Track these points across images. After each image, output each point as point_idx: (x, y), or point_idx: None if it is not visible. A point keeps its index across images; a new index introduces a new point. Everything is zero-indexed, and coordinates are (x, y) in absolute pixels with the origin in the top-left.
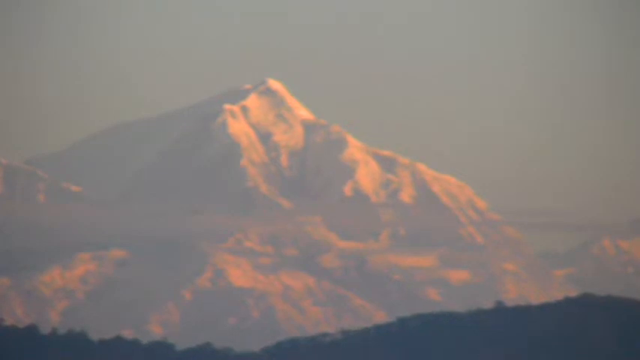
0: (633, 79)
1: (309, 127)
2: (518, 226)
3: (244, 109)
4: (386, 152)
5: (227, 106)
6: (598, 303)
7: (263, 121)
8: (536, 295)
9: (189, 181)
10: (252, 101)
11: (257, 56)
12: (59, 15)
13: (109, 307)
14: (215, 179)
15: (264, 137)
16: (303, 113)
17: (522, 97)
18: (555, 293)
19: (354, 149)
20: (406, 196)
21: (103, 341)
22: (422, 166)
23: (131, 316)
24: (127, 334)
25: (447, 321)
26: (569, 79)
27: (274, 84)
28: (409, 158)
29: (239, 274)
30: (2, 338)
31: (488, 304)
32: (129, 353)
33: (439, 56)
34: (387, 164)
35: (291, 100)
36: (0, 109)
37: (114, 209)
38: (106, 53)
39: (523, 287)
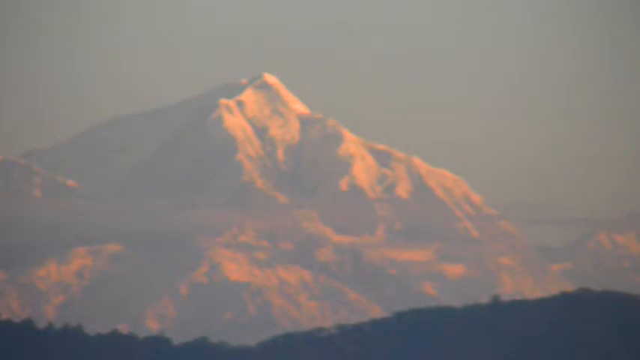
0: (630, 76)
1: (304, 122)
2: (513, 220)
3: (240, 104)
4: (381, 146)
5: (223, 101)
6: (594, 297)
7: (259, 115)
8: (531, 290)
9: (185, 175)
10: (248, 96)
11: (253, 51)
12: (59, 14)
13: (105, 301)
14: (211, 174)
15: (260, 132)
16: (299, 107)
17: (519, 93)
18: (551, 288)
19: (350, 143)
20: (402, 190)
21: (99, 336)
22: (417, 161)
23: (127, 311)
24: (123, 328)
25: (443, 315)
26: (566, 74)
27: (270, 78)
28: (405, 152)
29: (235, 269)
30: None
31: (483, 298)
32: (125, 348)
33: (435, 52)
34: (383, 158)
35: (287, 95)
36: None
37: (109, 204)
38: (103, 48)
39: (519, 281)
